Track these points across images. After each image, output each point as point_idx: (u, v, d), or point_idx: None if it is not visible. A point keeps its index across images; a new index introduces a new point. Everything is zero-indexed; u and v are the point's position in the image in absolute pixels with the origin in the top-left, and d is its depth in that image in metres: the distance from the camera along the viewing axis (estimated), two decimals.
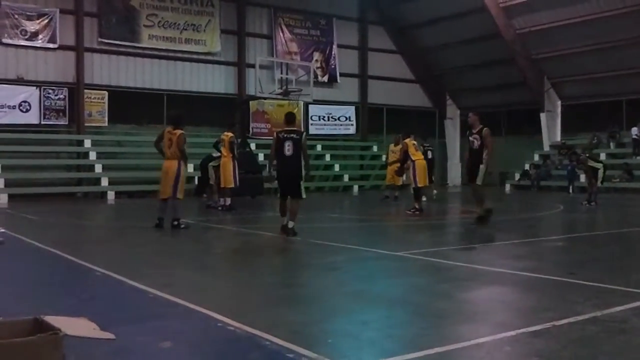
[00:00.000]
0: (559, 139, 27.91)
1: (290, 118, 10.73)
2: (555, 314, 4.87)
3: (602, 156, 22.89)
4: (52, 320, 2.91)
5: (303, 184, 10.21)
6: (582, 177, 19.56)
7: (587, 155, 18.34)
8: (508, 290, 6.25)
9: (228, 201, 15.37)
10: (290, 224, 10.18)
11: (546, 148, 27.85)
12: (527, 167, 27.44)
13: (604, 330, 4.55)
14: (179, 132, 11.19)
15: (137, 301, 5.62)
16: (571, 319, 4.74)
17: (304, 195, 10.26)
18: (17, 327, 2.89)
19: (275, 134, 10.69)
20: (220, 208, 15.40)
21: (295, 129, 10.78)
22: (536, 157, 27.76)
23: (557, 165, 26.19)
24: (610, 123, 25.62)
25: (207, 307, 5.10)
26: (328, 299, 5.80)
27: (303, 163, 10.14)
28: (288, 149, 10.07)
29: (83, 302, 5.53)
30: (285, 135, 10.20)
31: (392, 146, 19.84)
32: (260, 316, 4.93)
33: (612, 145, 25.75)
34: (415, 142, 15.27)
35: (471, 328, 4.70)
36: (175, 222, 11.07)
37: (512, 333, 4.43)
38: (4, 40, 21.19)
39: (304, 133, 10.70)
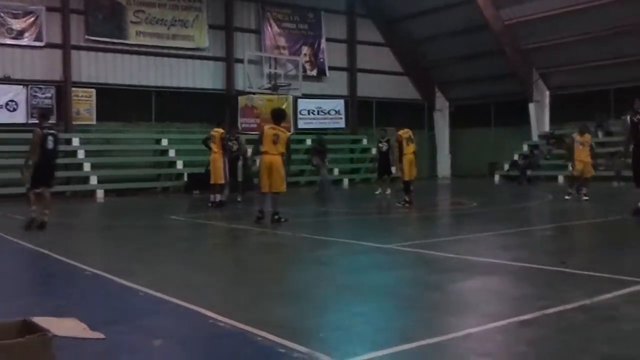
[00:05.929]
0: (547, 129, 27.98)
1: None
2: (545, 303, 4.90)
3: None
4: (41, 321, 2.88)
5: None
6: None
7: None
8: (498, 280, 6.27)
9: (218, 197, 15.33)
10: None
11: (535, 138, 27.92)
12: (516, 157, 27.51)
13: (593, 318, 4.58)
14: (288, 133, 11.65)
15: (127, 300, 5.60)
16: (561, 307, 4.78)
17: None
18: (5, 329, 2.87)
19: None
20: (210, 204, 15.36)
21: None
22: (525, 148, 27.84)
23: (546, 155, 26.28)
24: (598, 112, 25.71)
25: (197, 304, 5.09)
26: (318, 293, 5.81)
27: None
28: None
29: (72, 302, 5.51)
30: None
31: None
32: (251, 312, 4.93)
33: (600, 134, 25.87)
34: (409, 135, 15.03)
35: (462, 319, 4.72)
36: (276, 216, 11.45)
37: (503, 323, 4.47)
38: None
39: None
